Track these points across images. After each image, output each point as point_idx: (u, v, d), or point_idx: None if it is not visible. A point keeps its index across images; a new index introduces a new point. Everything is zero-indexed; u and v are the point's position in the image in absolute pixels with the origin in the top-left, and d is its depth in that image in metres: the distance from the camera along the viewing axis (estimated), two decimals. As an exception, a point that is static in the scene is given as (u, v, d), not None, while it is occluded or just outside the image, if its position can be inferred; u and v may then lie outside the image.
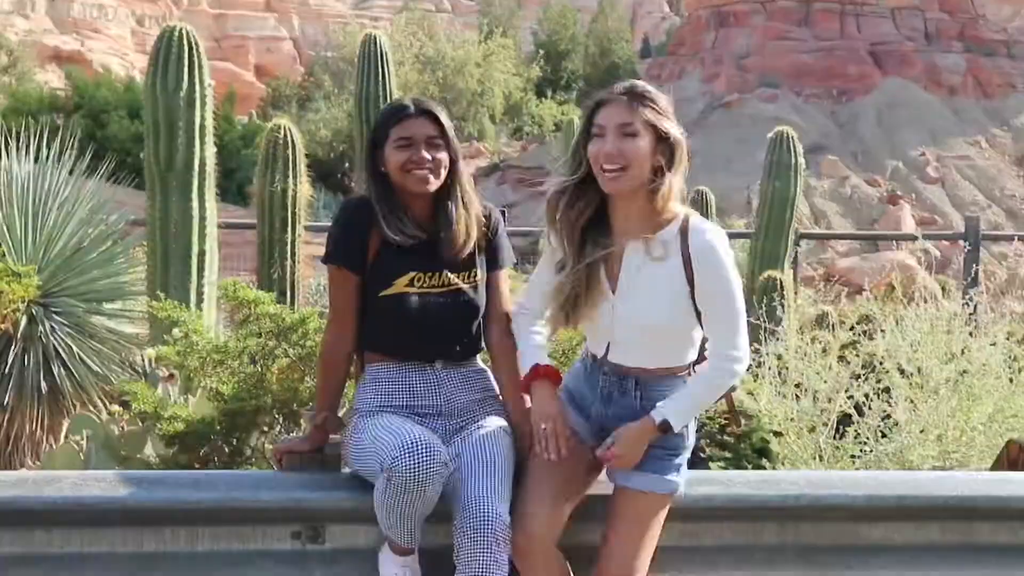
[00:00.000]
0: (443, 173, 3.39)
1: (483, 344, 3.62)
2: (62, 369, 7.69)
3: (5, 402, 7.49)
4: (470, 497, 3.22)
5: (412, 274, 3.41)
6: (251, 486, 3.51)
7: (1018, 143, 46.38)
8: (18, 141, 8.57)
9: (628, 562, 3.22)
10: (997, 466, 4.12)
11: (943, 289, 12.04)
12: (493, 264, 3.56)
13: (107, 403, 7.98)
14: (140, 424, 5.89)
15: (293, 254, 8.79)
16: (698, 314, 3.26)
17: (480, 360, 3.65)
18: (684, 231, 3.24)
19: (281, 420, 4.78)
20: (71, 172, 8.53)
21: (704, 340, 3.38)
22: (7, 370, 7.48)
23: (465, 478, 3.27)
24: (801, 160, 10.45)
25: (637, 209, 3.27)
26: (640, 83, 3.30)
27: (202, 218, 7.87)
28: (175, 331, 5.13)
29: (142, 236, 9.62)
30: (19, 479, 3.36)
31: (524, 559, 3.21)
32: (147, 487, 3.37)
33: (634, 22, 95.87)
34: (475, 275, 3.49)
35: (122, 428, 6.09)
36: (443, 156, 3.38)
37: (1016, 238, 21.50)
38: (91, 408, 8.00)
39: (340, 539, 3.44)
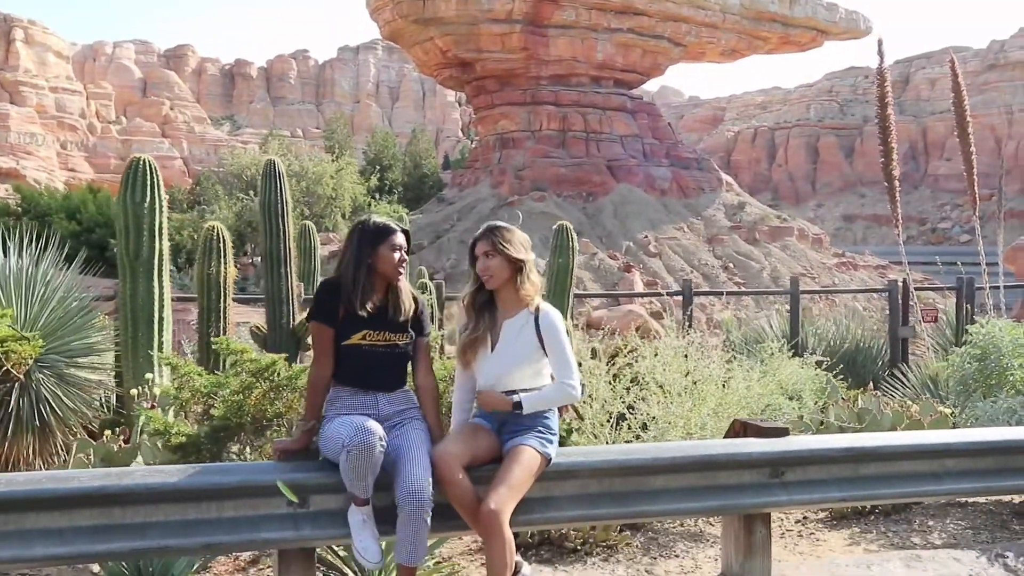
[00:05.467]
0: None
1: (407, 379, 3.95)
2: (50, 407, 7.62)
3: (7, 434, 7.39)
4: (406, 474, 3.56)
5: (364, 332, 3.75)
6: (260, 471, 3.72)
7: (708, 228, 48.74)
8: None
9: (504, 488, 3.56)
10: (728, 435, 4.65)
11: (663, 328, 12.84)
12: (420, 332, 3.92)
13: (82, 432, 7.87)
14: (128, 444, 6.00)
15: (225, 318, 8.79)
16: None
17: (407, 385, 3.96)
18: (536, 312, 3.85)
19: (252, 435, 4.97)
20: (43, 264, 8.44)
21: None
22: (8, 411, 7.38)
23: (402, 459, 3.60)
24: (576, 244, 10.86)
25: (508, 297, 3.89)
26: (496, 224, 3.97)
27: (161, 295, 7.79)
28: (167, 372, 5.27)
29: (103, 308, 9.51)
30: (105, 473, 3.45)
31: (440, 467, 3.59)
32: (191, 475, 3.53)
33: (437, 144, 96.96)
34: (407, 335, 3.85)
35: (118, 447, 6.12)
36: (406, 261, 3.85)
37: (713, 294, 23.15)
38: (71, 436, 7.90)
39: (320, 504, 3.67)
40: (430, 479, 3.57)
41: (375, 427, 3.51)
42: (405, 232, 3.89)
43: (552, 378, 3.89)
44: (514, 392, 3.79)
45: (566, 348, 3.82)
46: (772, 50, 58.01)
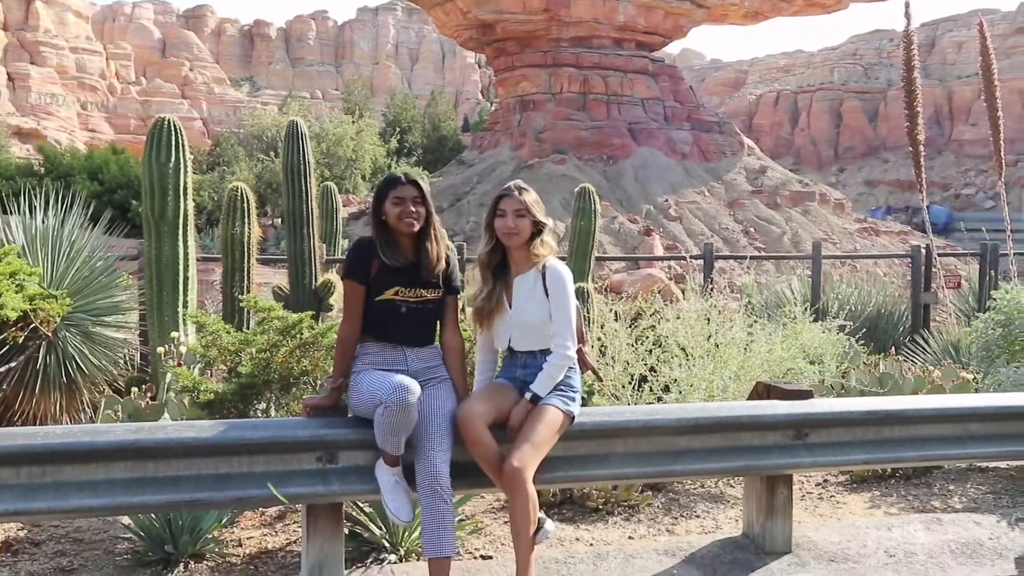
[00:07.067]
0: (421, 222, 3.81)
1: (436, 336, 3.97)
2: (76, 365, 7.71)
3: (36, 391, 7.51)
4: (423, 452, 3.60)
5: (397, 287, 3.76)
6: (291, 427, 3.77)
7: (729, 192, 48.31)
8: (19, 200, 8.53)
9: (528, 446, 3.62)
10: (751, 398, 4.65)
11: (683, 292, 12.81)
12: (449, 289, 3.91)
13: (107, 389, 7.97)
14: (155, 401, 6.07)
15: (249, 278, 8.81)
16: None
17: (435, 342, 3.98)
18: (543, 269, 3.88)
19: (278, 392, 5.02)
20: (68, 224, 8.52)
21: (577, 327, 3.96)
22: (36, 368, 7.49)
23: (424, 431, 3.61)
24: (598, 207, 10.81)
25: (522, 256, 3.91)
26: (522, 184, 3.98)
27: (185, 255, 7.76)
28: (195, 331, 5.31)
29: (127, 268, 9.56)
30: (139, 427, 3.51)
31: (465, 427, 3.65)
32: (223, 430, 3.60)
33: (457, 106, 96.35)
34: (438, 292, 3.85)
35: (146, 403, 6.19)
36: (422, 210, 3.78)
37: (733, 258, 23.01)
38: (97, 393, 8.01)
39: (349, 460, 3.74)
40: (448, 458, 3.62)
41: (413, 385, 3.53)
42: (415, 183, 3.81)
43: None
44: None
45: (568, 303, 3.85)
46: (796, 12, 57.11)
